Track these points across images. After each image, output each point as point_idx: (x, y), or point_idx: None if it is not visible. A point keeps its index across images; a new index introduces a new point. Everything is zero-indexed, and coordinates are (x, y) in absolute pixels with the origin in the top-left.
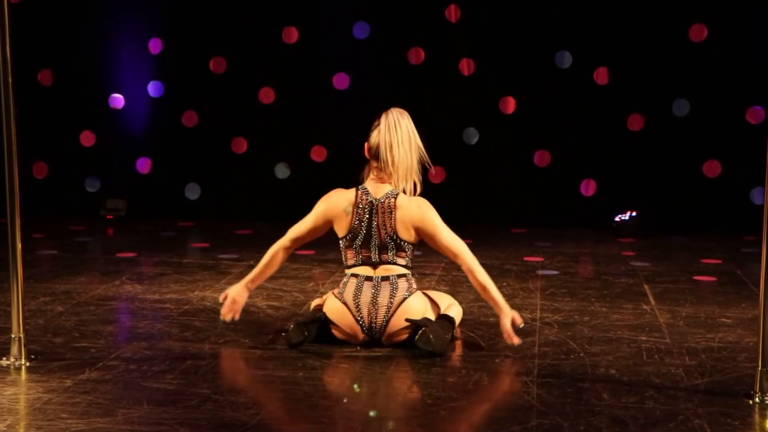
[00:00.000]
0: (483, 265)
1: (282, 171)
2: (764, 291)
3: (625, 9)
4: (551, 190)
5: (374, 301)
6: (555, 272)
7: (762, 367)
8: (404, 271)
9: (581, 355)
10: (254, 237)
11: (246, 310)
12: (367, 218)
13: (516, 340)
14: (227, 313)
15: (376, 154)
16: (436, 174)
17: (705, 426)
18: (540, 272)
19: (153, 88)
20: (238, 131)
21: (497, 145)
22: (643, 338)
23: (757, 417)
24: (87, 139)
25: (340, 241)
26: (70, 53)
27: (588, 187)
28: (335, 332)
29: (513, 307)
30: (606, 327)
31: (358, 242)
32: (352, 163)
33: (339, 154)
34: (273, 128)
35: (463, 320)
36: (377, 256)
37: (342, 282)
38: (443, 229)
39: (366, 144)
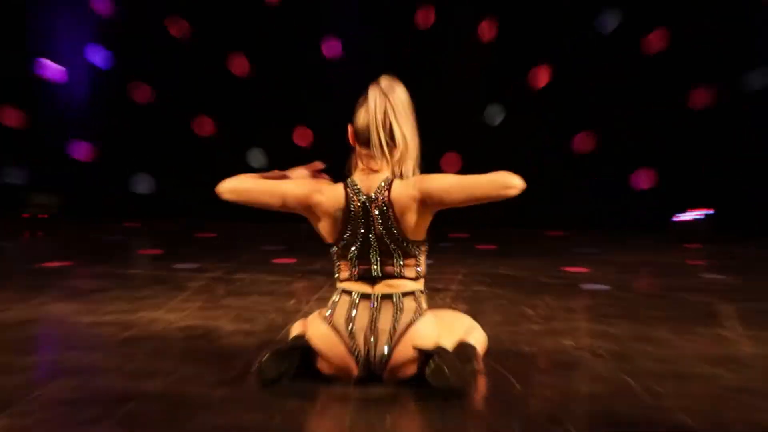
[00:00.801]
0: (509, 277)
1: (257, 158)
2: None
3: None
4: (596, 182)
5: (373, 326)
6: (604, 287)
7: None
8: (412, 286)
9: (641, 396)
10: (219, 241)
11: (209, 336)
12: (362, 224)
13: None
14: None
15: (364, 139)
16: (450, 162)
17: None
18: (585, 287)
19: (96, 56)
20: (201, 109)
21: (526, 126)
22: (724, 374)
23: None
24: (9, 117)
25: (330, 248)
26: None
27: (643, 179)
28: (322, 366)
29: (552, 331)
30: (674, 359)
31: (354, 252)
32: (345, 149)
33: (328, 138)
34: (246, 105)
35: (487, 349)
36: (379, 268)
37: (331, 300)
38: (449, 179)
39: (349, 127)
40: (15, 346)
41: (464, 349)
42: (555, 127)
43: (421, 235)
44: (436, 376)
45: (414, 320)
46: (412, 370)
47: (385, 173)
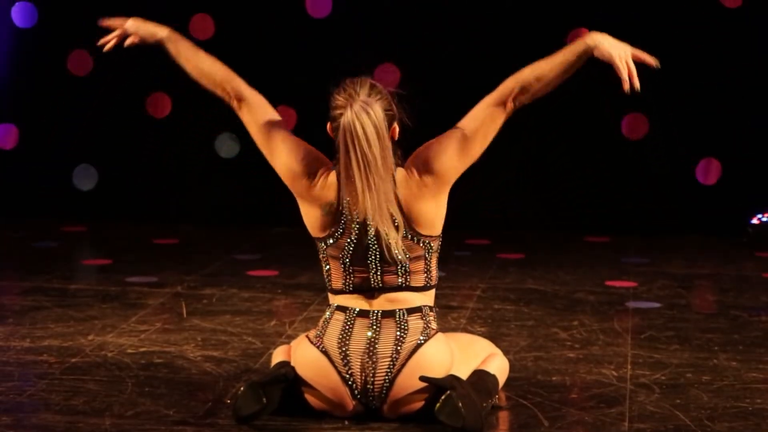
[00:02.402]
0: (538, 293)
1: (227, 146)
2: None
3: None
4: (648, 175)
5: (371, 350)
6: (655, 305)
7: None
8: (420, 300)
9: None
10: (182, 249)
11: (171, 365)
12: (357, 220)
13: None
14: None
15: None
16: None
17: None
18: (631, 305)
19: (19, 13)
20: (156, 84)
21: (562, 104)
22: None
23: None
24: None
25: (318, 243)
26: None
27: (708, 172)
28: (310, 398)
29: (590, 358)
30: (737, 392)
31: (347, 252)
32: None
33: (315, 120)
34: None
35: (510, 379)
36: (378, 276)
37: (322, 318)
38: (454, 129)
39: (328, 125)
40: None
41: (482, 379)
42: (597, 107)
43: (437, 227)
44: (448, 412)
45: (421, 343)
46: (418, 404)
47: None
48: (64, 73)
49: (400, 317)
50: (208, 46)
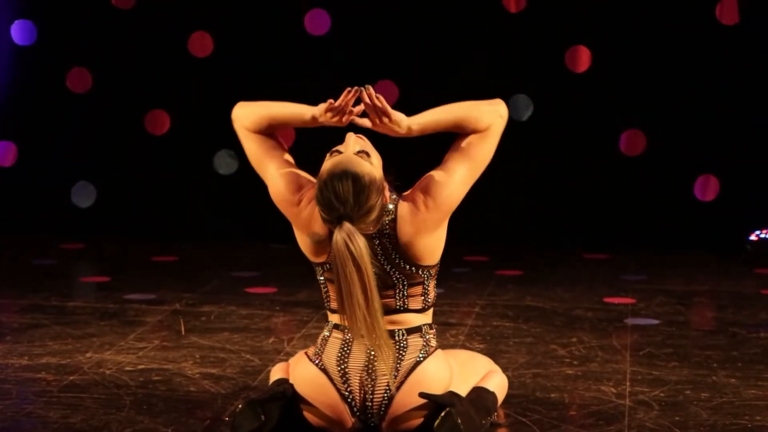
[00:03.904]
0: (537, 310)
1: (225, 162)
2: None
3: None
4: (646, 191)
5: (370, 368)
6: (654, 321)
7: None
8: (419, 320)
9: None
10: (180, 266)
11: (170, 382)
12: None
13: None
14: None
15: None
16: None
17: None
18: (630, 321)
19: (19, 31)
20: (155, 101)
21: (562, 121)
22: None
23: None
24: None
25: (315, 267)
26: None
27: (706, 188)
28: (309, 415)
29: (589, 375)
30: (737, 409)
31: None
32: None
33: (315, 136)
34: (211, 96)
35: (509, 396)
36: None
37: (321, 337)
38: (448, 170)
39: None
40: None
41: (481, 396)
42: (597, 122)
43: (437, 257)
44: (448, 429)
45: (420, 361)
46: (417, 420)
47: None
48: (63, 91)
49: (400, 337)
50: (207, 63)
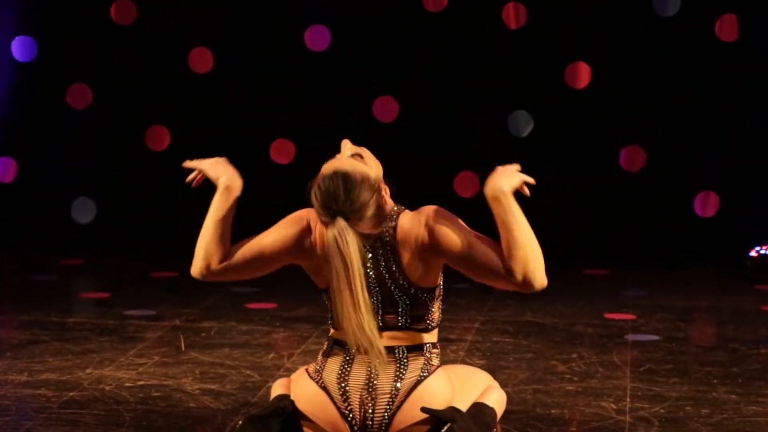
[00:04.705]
0: (537, 326)
1: None
2: None
3: None
4: (646, 207)
5: (370, 386)
6: (654, 338)
7: None
8: (422, 339)
9: None
10: (180, 282)
11: (170, 398)
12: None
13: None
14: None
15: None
16: (465, 185)
17: None
18: (630, 337)
19: (19, 47)
20: (155, 117)
21: (562, 137)
22: None
23: None
24: None
25: (323, 295)
26: None
27: (707, 204)
28: None
29: (589, 391)
30: (737, 425)
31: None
32: None
33: (314, 153)
34: (210, 112)
35: (508, 412)
36: (380, 316)
37: (322, 351)
38: (471, 247)
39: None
40: None
41: (481, 412)
42: (597, 138)
43: (434, 281)
44: None
45: (421, 379)
46: None
47: (383, 217)
48: (63, 107)
49: (399, 354)
50: (207, 79)
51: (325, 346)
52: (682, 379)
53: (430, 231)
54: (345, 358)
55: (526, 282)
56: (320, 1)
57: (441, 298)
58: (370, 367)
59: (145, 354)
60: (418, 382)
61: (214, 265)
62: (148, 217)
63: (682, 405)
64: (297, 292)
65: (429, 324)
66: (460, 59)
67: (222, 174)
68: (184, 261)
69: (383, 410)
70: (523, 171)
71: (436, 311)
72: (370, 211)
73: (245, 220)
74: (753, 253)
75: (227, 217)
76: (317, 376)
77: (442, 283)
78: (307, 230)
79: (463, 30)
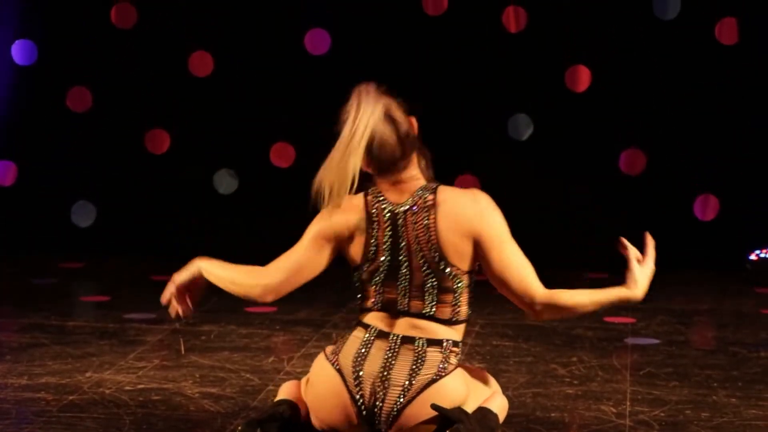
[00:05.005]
0: (537, 329)
1: (225, 182)
2: None
3: None
4: (647, 210)
5: (384, 375)
6: (654, 341)
7: None
8: (444, 333)
9: None
10: None
11: (169, 402)
12: (389, 236)
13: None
14: (176, 306)
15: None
16: (466, 186)
17: None
18: (630, 341)
19: (19, 51)
20: (155, 120)
21: (562, 139)
22: None
23: None
24: None
25: (355, 273)
26: None
27: (707, 207)
28: (316, 417)
29: (589, 394)
30: (737, 429)
31: (380, 275)
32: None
33: (315, 156)
34: (211, 116)
35: (509, 416)
36: (406, 300)
37: (343, 336)
38: (512, 249)
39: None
40: None
41: (486, 417)
42: (597, 141)
43: (466, 265)
44: None
45: (436, 379)
46: None
47: (421, 180)
48: (63, 110)
49: (419, 346)
50: (207, 82)
51: (345, 332)
52: (682, 383)
53: (480, 211)
54: (364, 341)
55: (537, 317)
56: (320, 4)
57: (471, 293)
58: (387, 354)
59: (145, 357)
60: (433, 381)
61: (270, 294)
62: (147, 221)
63: (682, 408)
64: (296, 296)
65: (455, 316)
66: (460, 62)
67: (189, 269)
68: (184, 264)
69: (393, 402)
70: (522, 174)
71: (464, 304)
72: (401, 128)
73: (245, 222)
74: (753, 257)
75: (219, 267)
76: (334, 358)
77: (473, 277)
78: (333, 221)
79: (463, 33)
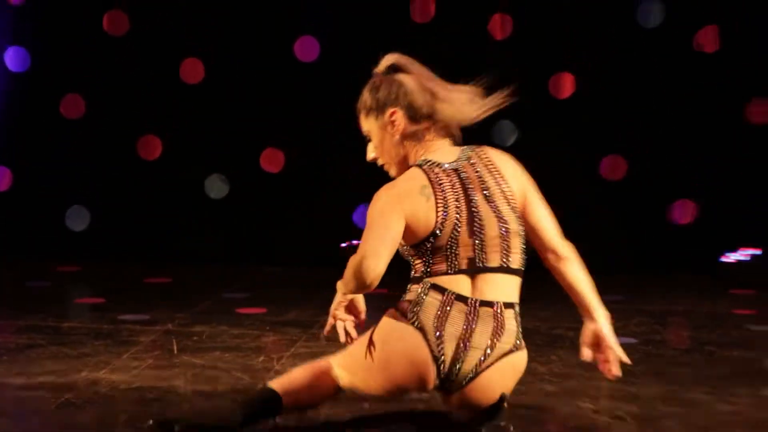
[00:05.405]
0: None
1: (216, 187)
2: None
3: None
4: (626, 213)
5: (466, 336)
6: (632, 340)
7: None
8: (514, 294)
9: None
10: (173, 288)
11: (163, 399)
12: (459, 190)
13: (614, 370)
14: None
15: (426, 110)
16: None
17: None
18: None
19: (13, 58)
20: (147, 127)
21: (546, 145)
22: None
23: None
24: None
25: (411, 249)
26: None
27: (684, 212)
28: (385, 377)
29: (565, 392)
30: (708, 424)
31: (455, 234)
32: (329, 173)
33: (306, 162)
34: (202, 122)
35: None
36: (483, 254)
37: (412, 296)
38: (546, 208)
39: (390, 113)
40: None
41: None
42: (579, 147)
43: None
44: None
45: (513, 350)
46: (488, 401)
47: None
48: (56, 116)
49: (499, 311)
50: (198, 89)
51: (416, 290)
52: (658, 380)
53: (523, 170)
54: (443, 303)
55: (551, 264)
56: (309, 13)
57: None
58: (468, 317)
59: (139, 357)
60: (511, 352)
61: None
62: (141, 225)
63: (657, 404)
64: (286, 298)
65: (523, 264)
66: (447, 69)
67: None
68: (177, 267)
69: (473, 364)
70: None
71: (523, 251)
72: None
73: (235, 226)
74: (726, 260)
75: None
76: (412, 317)
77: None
78: (402, 201)
79: (450, 40)
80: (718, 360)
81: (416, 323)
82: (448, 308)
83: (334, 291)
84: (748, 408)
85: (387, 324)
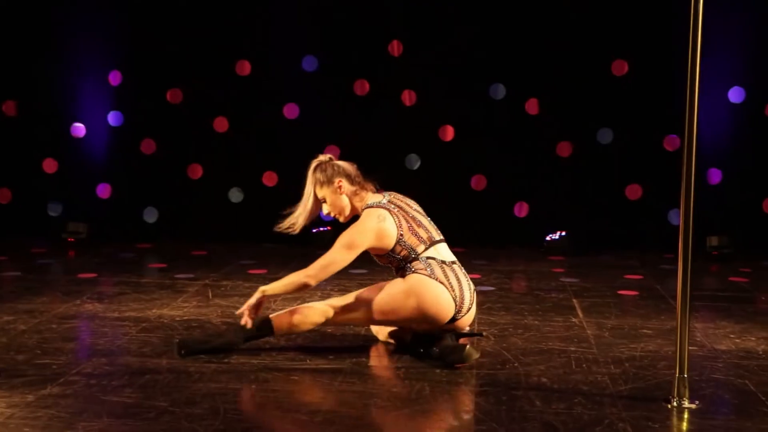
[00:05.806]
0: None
1: (235, 195)
2: (681, 304)
3: (554, 46)
4: (487, 212)
5: (463, 284)
6: (491, 288)
7: (679, 374)
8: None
9: (515, 365)
10: (209, 258)
11: (201, 327)
12: (400, 210)
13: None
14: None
15: (356, 177)
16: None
17: (628, 429)
18: (478, 288)
19: (113, 118)
20: (193, 158)
21: (437, 170)
22: (572, 349)
23: (675, 420)
24: (49, 166)
25: (398, 246)
26: (34, 85)
27: (521, 209)
28: (426, 318)
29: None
30: (538, 339)
31: (413, 229)
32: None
33: (289, 179)
34: (227, 155)
35: None
36: (432, 234)
37: (421, 266)
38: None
39: (338, 182)
40: (61, 335)
41: None
42: (458, 170)
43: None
44: (468, 355)
45: (476, 289)
46: (468, 324)
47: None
48: (138, 153)
49: (459, 266)
50: (223, 136)
51: (416, 264)
52: (507, 313)
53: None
54: (440, 262)
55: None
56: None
57: None
58: (455, 272)
59: (188, 301)
60: (475, 290)
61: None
62: (189, 219)
63: (507, 327)
64: (279, 264)
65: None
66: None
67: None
68: (211, 245)
69: (470, 302)
70: (458, 163)
71: None
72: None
73: (231, 228)
74: (548, 239)
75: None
76: (432, 275)
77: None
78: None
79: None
80: (543, 300)
81: (437, 279)
82: (445, 268)
83: (304, 261)
84: (561, 329)
85: (416, 280)
